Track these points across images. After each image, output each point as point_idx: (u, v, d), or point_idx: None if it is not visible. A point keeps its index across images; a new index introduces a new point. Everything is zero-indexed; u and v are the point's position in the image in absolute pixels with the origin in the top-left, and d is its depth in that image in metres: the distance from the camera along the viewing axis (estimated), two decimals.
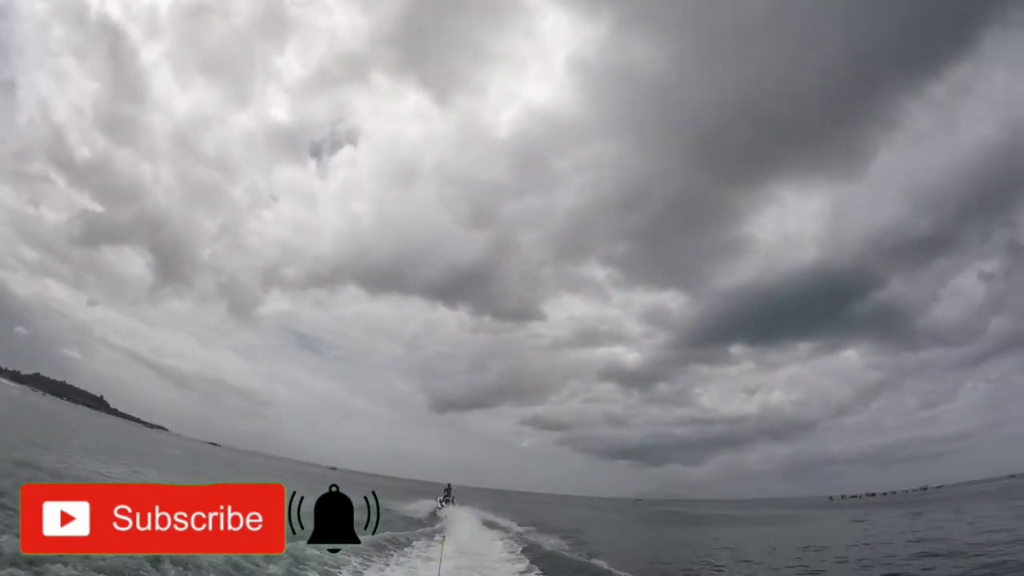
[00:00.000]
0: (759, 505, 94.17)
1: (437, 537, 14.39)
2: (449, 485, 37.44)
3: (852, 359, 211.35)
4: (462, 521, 25.76)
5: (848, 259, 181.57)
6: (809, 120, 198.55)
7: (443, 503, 33.52)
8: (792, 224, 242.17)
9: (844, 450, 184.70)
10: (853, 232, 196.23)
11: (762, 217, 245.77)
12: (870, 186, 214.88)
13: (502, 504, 48.29)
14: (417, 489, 58.79)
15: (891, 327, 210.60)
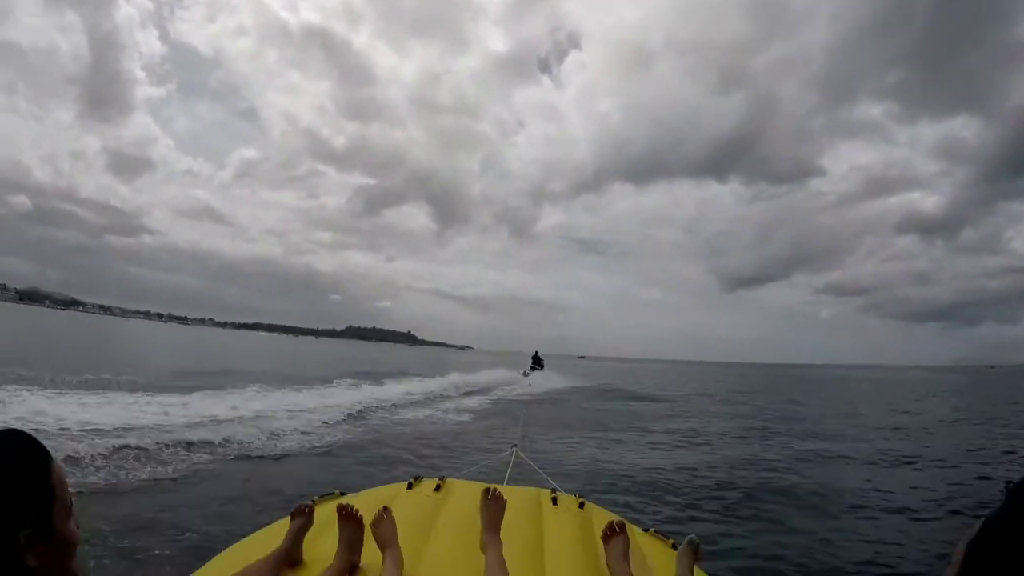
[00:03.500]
0: None
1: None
2: (536, 352, 38.15)
3: None
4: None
5: None
6: None
7: (531, 371, 32.61)
8: None
9: None
10: None
11: None
12: None
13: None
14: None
15: None
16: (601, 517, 2.27)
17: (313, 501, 1.99)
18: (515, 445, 4.23)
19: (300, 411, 10.40)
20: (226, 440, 7.58)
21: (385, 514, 1.74)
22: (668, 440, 10.52)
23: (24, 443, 0.77)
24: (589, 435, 10.70)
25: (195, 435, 7.52)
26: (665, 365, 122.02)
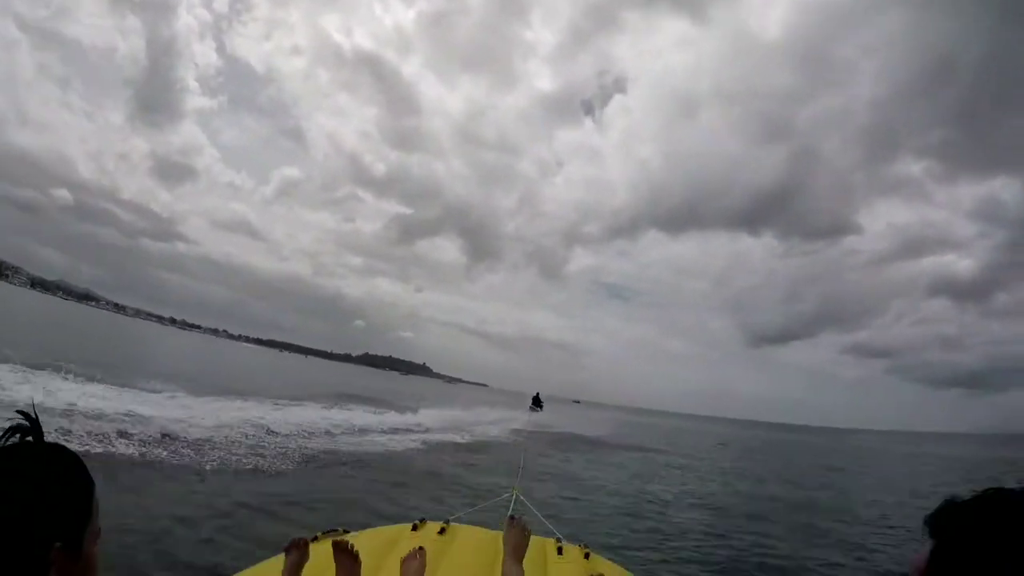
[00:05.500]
0: None
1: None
2: (537, 394, 39.77)
3: None
4: None
5: None
6: None
7: (530, 411, 34.02)
8: None
9: None
10: None
11: None
12: None
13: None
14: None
15: None
16: (608, 569, 2.29)
17: (315, 537, 1.98)
18: (514, 488, 4.00)
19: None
20: None
21: (419, 554, 1.77)
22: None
23: (73, 461, 0.79)
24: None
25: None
26: (676, 419, 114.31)
